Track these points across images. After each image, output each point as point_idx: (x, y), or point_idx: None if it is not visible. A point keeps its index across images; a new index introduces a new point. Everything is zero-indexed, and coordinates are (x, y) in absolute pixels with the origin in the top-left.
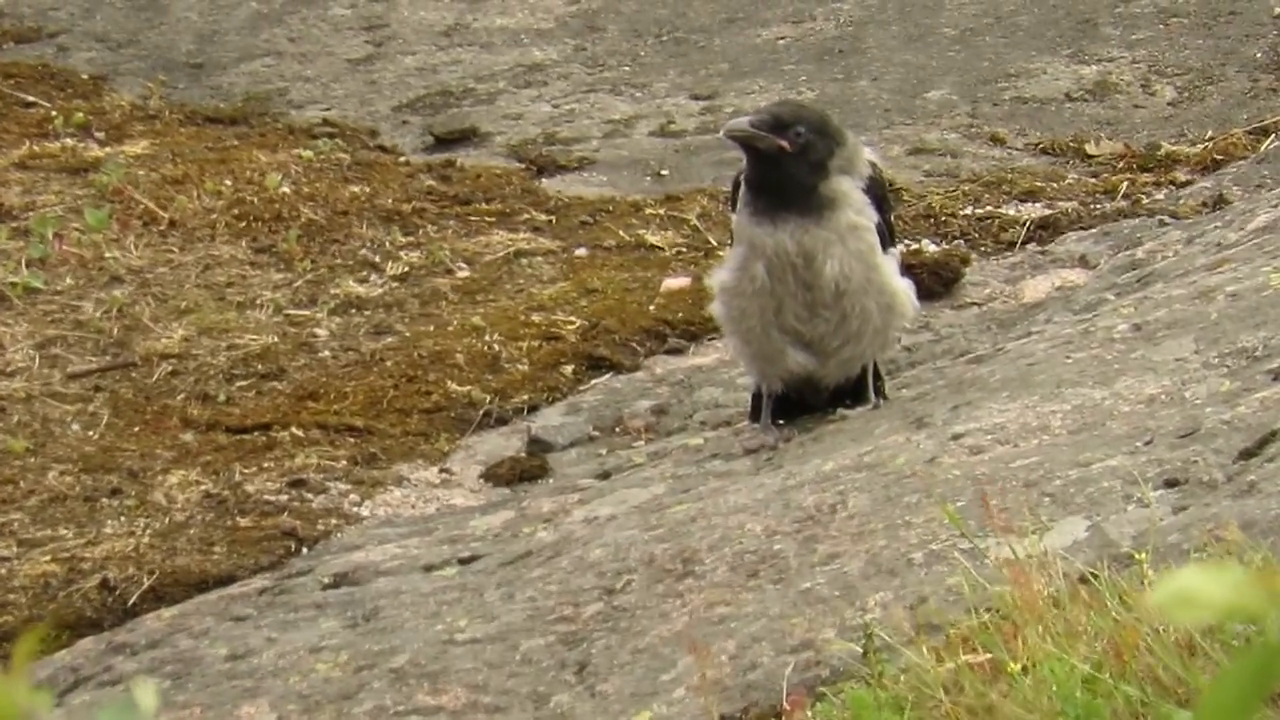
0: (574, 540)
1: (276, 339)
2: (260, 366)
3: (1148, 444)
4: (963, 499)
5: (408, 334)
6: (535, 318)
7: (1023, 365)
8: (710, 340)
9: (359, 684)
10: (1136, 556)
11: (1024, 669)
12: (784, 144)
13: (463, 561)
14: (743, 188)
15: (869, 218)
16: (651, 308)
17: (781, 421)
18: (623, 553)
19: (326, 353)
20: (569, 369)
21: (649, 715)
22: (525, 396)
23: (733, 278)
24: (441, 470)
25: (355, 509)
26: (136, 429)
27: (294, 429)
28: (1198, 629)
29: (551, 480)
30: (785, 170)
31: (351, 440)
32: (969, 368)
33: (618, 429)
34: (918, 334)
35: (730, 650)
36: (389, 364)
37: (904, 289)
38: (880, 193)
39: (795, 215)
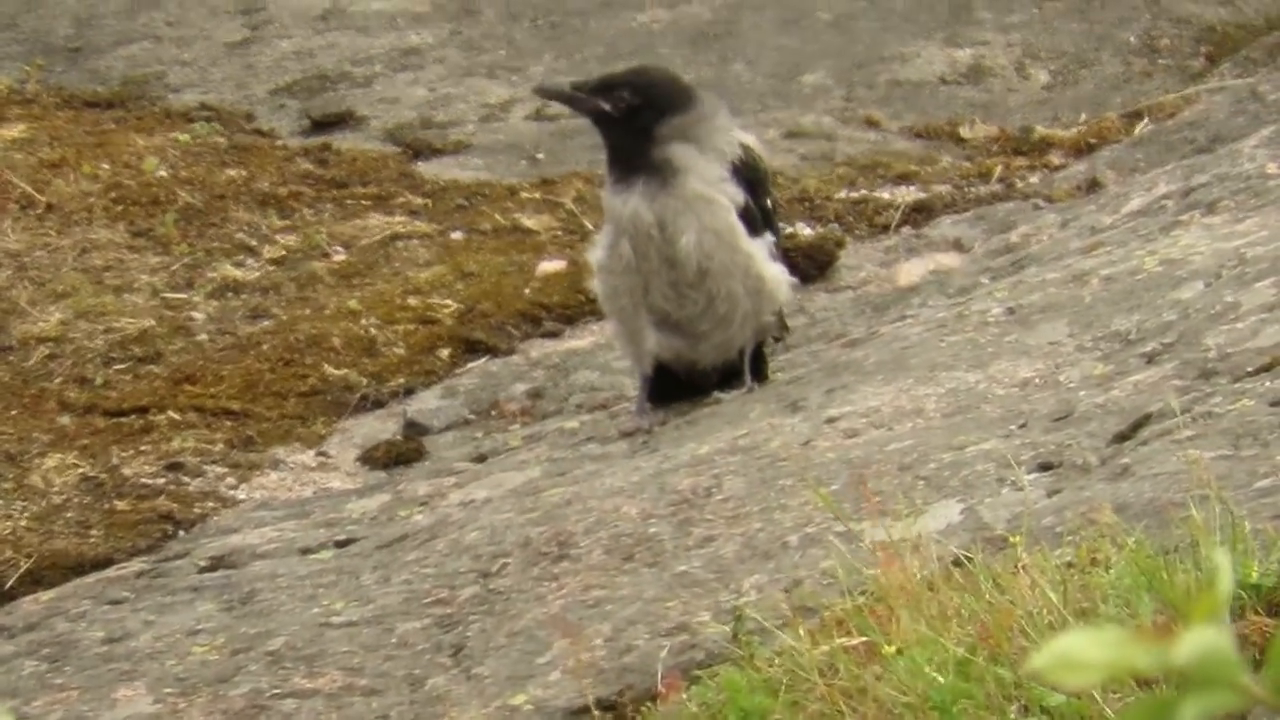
0: (450, 523)
1: (154, 322)
2: (137, 350)
3: (1022, 427)
4: (837, 482)
5: (285, 317)
6: (411, 301)
7: (897, 349)
8: (586, 324)
9: (236, 667)
10: (1011, 539)
11: (898, 651)
12: (605, 106)
13: (339, 544)
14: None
15: (725, 194)
16: (527, 291)
17: (651, 405)
18: (499, 536)
19: (204, 336)
20: (445, 352)
21: (524, 698)
22: (401, 380)
23: (605, 255)
24: (318, 453)
25: (232, 492)
26: (13, 412)
27: (171, 412)
28: (1072, 611)
29: (428, 463)
30: (614, 134)
31: (228, 423)
32: (844, 351)
33: (494, 412)
34: (793, 317)
35: (606, 633)
36: (266, 347)
37: (775, 274)
38: (752, 175)
39: (642, 179)
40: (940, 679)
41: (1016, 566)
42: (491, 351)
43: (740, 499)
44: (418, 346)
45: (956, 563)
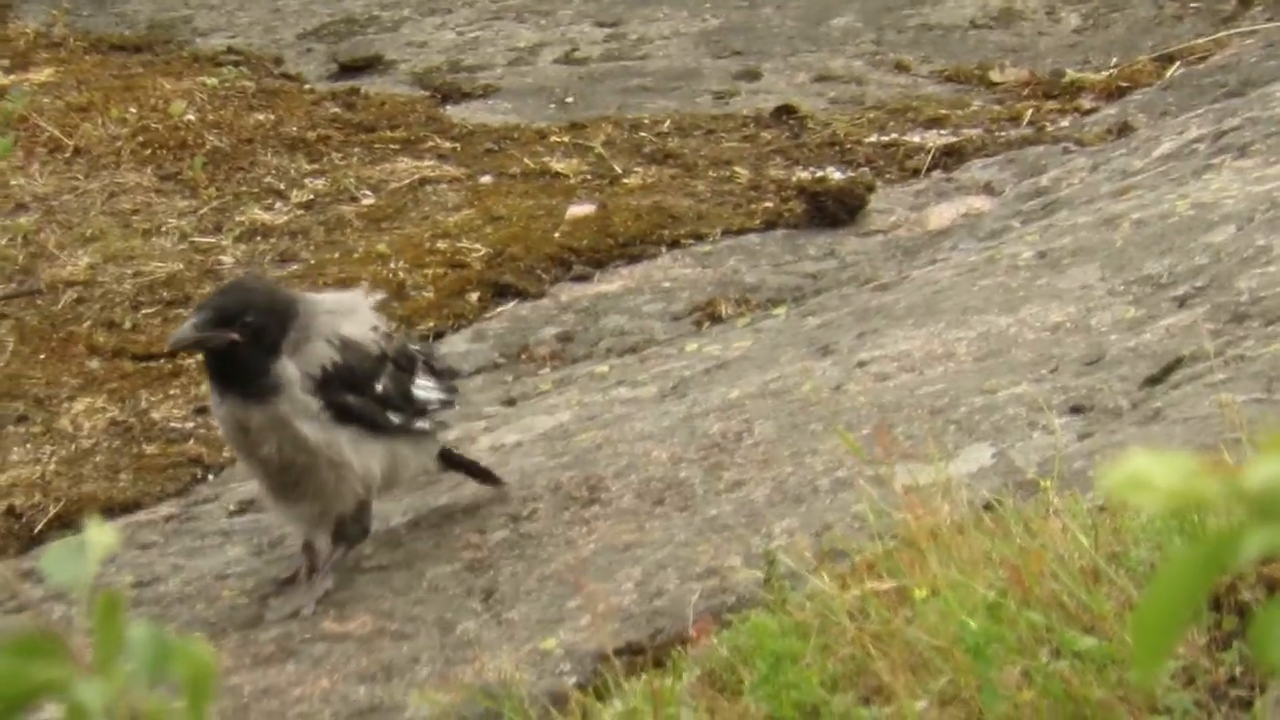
0: None
1: (182, 266)
2: (166, 293)
3: (1053, 371)
4: (868, 426)
5: (313, 261)
6: (441, 245)
7: (928, 293)
8: (616, 268)
9: (265, 611)
10: (1041, 483)
11: (929, 595)
12: (234, 337)
13: None
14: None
15: (308, 413)
16: (557, 235)
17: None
18: (529, 480)
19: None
20: (474, 296)
21: (555, 642)
22: (431, 324)
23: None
24: None
25: None
26: (42, 356)
27: (199, 356)
28: (1103, 554)
29: (458, 407)
30: (237, 359)
31: None
32: (874, 295)
33: (523, 356)
34: (823, 261)
35: (636, 577)
36: None
37: (361, 458)
38: (349, 373)
39: (237, 395)
40: (971, 623)
41: (1047, 510)
42: (521, 295)
43: (771, 443)
44: (447, 290)
45: (987, 506)
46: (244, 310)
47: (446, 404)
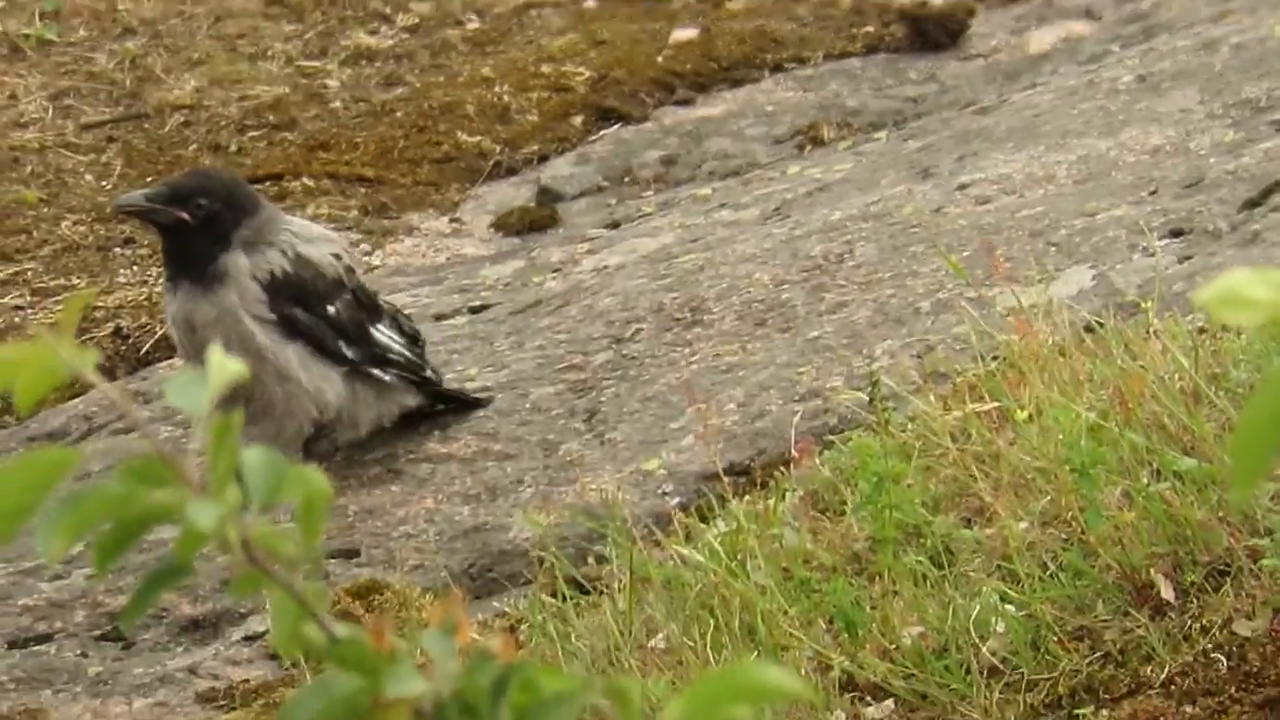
0: (583, 289)
1: (288, 90)
2: (272, 117)
3: (1153, 194)
4: (969, 249)
5: (418, 85)
6: (545, 69)
7: (1028, 116)
8: (719, 91)
9: (368, 432)
10: (1142, 305)
11: (1030, 417)
12: (184, 215)
13: (473, 310)
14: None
15: (255, 311)
16: (660, 59)
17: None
18: (631, 302)
19: (337, 103)
20: (578, 120)
21: (657, 462)
22: (535, 147)
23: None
24: (452, 220)
25: (366, 258)
26: (149, 179)
27: (305, 179)
28: (1203, 375)
29: (561, 230)
30: (187, 242)
31: (362, 190)
32: (975, 119)
33: (627, 179)
34: (924, 85)
35: (739, 398)
36: (399, 114)
37: (312, 378)
38: (300, 288)
39: (188, 283)
40: (1074, 444)
41: (1148, 332)
42: (624, 119)
43: (872, 265)
44: (551, 114)
45: (1088, 328)
46: (199, 193)
47: (414, 365)
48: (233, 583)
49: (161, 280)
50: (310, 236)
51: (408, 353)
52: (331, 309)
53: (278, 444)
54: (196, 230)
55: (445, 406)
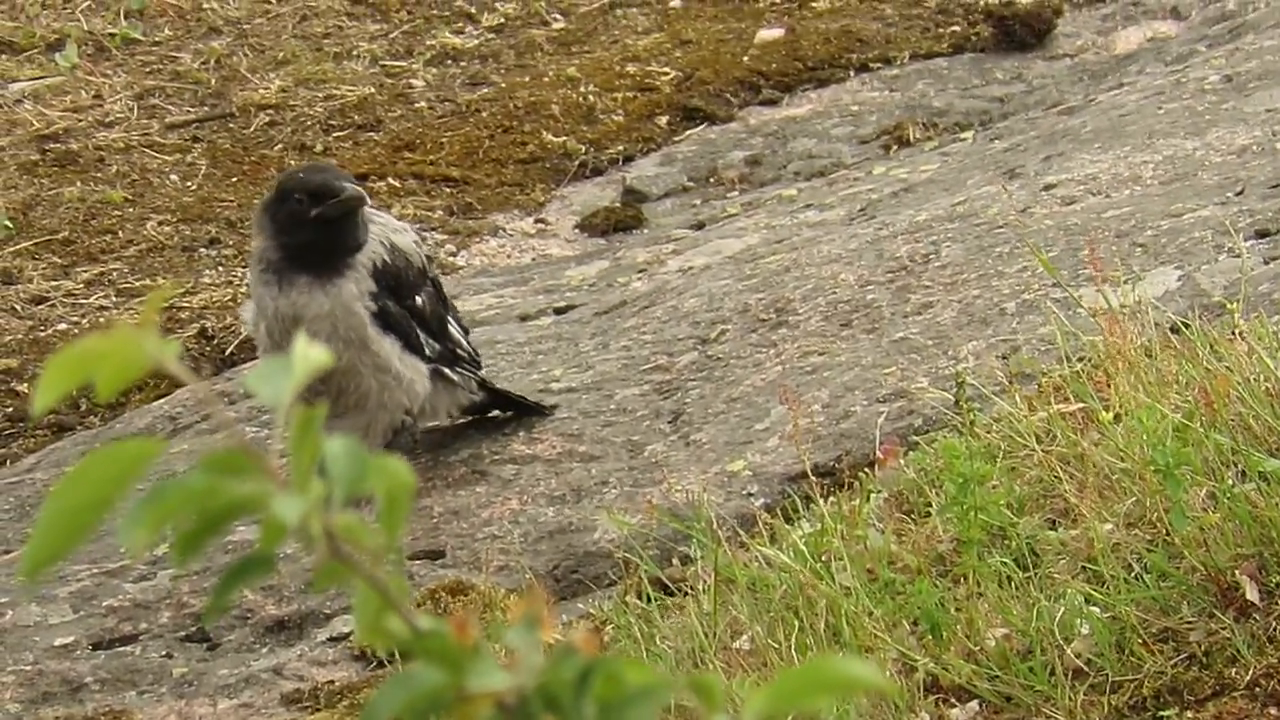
0: (668, 290)
1: (373, 90)
2: (357, 117)
3: (1239, 194)
4: (1055, 249)
5: (503, 85)
6: (630, 69)
7: (1114, 116)
8: (804, 91)
9: (455, 432)
10: (1228, 306)
11: (1116, 418)
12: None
13: (558, 311)
14: (264, 243)
15: (366, 301)
16: (745, 59)
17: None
18: (717, 302)
19: (423, 103)
20: (663, 120)
21: (743, 464)
22: (620, 147)
23: (252, 330)
24: (537, 220)
25: (451, 259)
26: (234, 179)
27: (391, 179)
28: None
29: (646, 230)
30: (339, 231)
31: (448, 190)
32: (1061, 119)
33: (712, 179)
34: (1010, 85)
35: (824, 399)
36: (485, 114)
37: (407, 369)
38: (397, 278)
39: (308, 277)
40: (1158, 445)
41: (1234, 333)
42: (710, 119)
43: (958, 265)
44: (636, 114)
45: (1174, 329)
46: (349, 180)
47: (476, 361)
48: (315, 575)
49: (258, 276)
50: (395, 226)
51: (470, 348)
52: (418, 300)
53: (367, 438)
54: (350, 217)
55: (503, 412)
